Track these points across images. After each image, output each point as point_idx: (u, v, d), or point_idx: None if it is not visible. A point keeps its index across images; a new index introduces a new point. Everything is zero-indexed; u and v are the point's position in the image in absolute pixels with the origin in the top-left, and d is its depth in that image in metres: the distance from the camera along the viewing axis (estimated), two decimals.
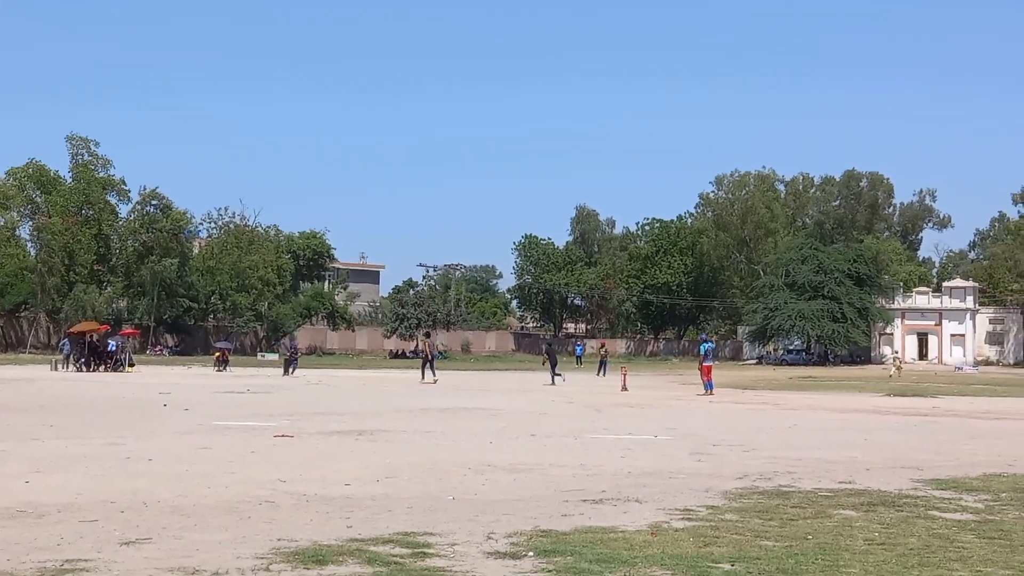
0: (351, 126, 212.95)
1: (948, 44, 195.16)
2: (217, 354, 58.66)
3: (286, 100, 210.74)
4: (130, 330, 70.84)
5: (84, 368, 52.29)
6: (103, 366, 53.08)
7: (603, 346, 68.92)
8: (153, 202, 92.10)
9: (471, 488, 12.94)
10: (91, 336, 56.23)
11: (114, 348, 55.03)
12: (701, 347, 40.38)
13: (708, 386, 37.75)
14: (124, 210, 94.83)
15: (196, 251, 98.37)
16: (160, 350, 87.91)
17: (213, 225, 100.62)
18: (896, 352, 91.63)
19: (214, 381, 43.83)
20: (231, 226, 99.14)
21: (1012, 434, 22.84)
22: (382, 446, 17.93)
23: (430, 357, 46.12)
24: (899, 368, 69.04)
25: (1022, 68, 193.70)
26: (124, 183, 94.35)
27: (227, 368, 55.70)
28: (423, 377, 44.43)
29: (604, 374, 56.41)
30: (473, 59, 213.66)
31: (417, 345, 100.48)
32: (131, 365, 54.30)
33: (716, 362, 39.42)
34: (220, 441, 18.32)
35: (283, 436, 19.16)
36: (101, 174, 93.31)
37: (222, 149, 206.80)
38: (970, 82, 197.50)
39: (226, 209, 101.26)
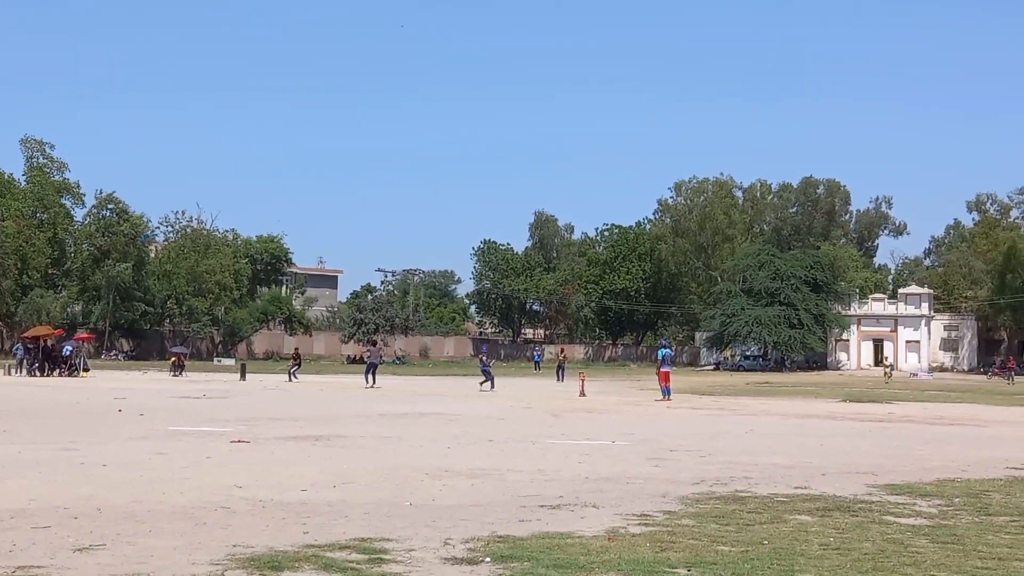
0: (310, 130, 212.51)
1: (904, 52, 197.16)
2: (173, 359, 58.25)
3: (243, 103, 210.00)
4: (85, 335, 70.10)
5: (38, 373, 51.78)
6: (57, 371, 52.56)
7: (562, 352, 69.12)
8: (109, 206, 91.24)
9: (428, 494, 12.92)
10: (45, 341, 55.71)
11: (69, 353, 54.48)
12: (659, 352, 40.56)
13: (665, 391, 37.91)
14: (80, 214, 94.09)
15: (152, 255, 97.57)
16: (115, 355, 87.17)
17: (170, 229, 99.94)
18: (887, 358, 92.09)
19: (170, 386, 43.52)
20: (188, 230, 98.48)
21: (965, 439, 23.05)
22: (339, 451, 17.86)
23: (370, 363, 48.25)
24: (889, 374, 69.99)
25: (978, 76, 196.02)
26: (79, 187, 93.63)
27: (183, 373, 55.33)
28: (371, 382, 46.15)
29: (563, 379, 56.52)
30: (433, 65, 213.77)
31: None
32: (86, 370, 53.77)
33: (674, 368, 39.51)
34: (175, 446, 18.19)
35: (239, 441, 19.06)
36: (56, 177, 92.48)
37: (180, 152, 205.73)
38: (926, 90, 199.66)
39: (183, 213, 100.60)
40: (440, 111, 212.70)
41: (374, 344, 53.42)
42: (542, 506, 11.94)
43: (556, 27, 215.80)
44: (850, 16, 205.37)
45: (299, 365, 55.95)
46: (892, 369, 76.64)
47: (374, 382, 46.24)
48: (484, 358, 48.75)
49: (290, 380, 50.79)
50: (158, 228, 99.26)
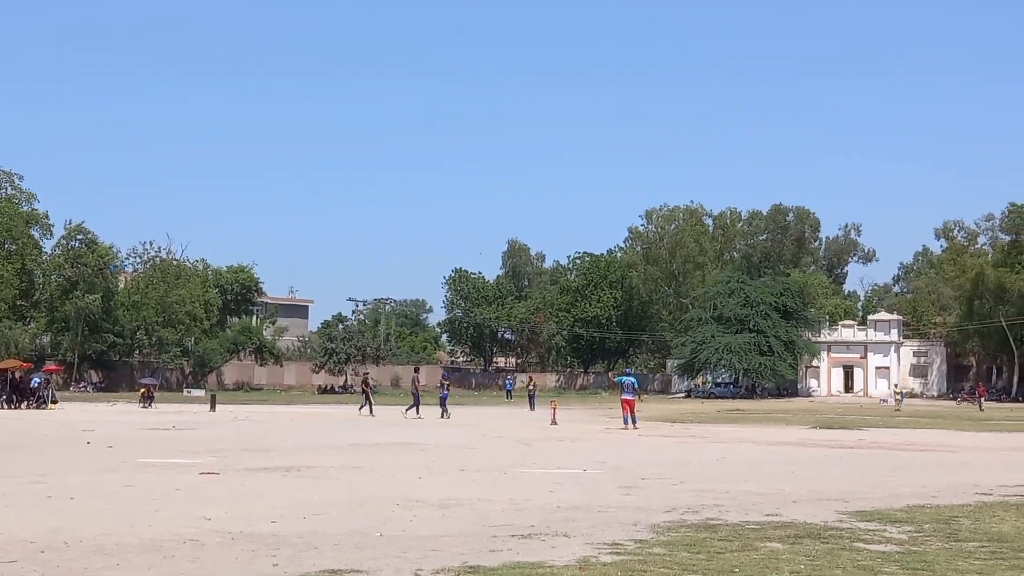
0: (280, 159, 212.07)
1: (872, 80, 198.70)
2: (142, 390, 57.93)
3: (214, 133, 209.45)
4: (53, 366, 69.67)
5: (6, 405, 51.32)
6: (26, 403, 52.13)
7: (531, 380, 69.20)
8: (78, 236, 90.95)
9: (399, 524, 12.86)
10: (13, 373, 55.26)
11: (37, 385, 54.06)
12: (617, 379, 40.35)
13: (626, 419, 37.51)
14: (48, 245, 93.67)
15: (122, 286, 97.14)
16: (84, 386, 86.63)
17: (139, 260, 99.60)
18: (896, 385, 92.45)
19: (139, 418, 43.26)
20: (157, 260, 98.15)
21: (935, 466, 23.14)
22: (309, 482, 17.78)
23: (413, 392, 47.64)
24: (900, 401, 70.30)
25: (944, 104, 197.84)
26: (48, 217, 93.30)
27: (152, 404, 55.02)
28: (371, 412, 46.24)
29: (534, 408, 56.47)
30: (402, 92, 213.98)
31: (346, 380, 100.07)
32: (54, 402, 53.35)
33: (637, 396, 39.22)
34: (144, 478, 18.06)
35: (209, 473, 18.94)
36: (24, 208, 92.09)
37: (149, 183, 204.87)
38: (893, 118, 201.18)
39: (152, 243, 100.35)
40: (413, 141, 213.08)
41: (367, 375, 53.95)
42: (513, 536, 11.91)
43: (525, 56, 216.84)
44: (816, 44, 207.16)
45: (152, 398, 56.25)
46: (903, 396, 76.75)
47: (371, 411, 46.46)
48: (446, 384, 48.77)
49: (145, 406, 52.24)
50: (127, 259, 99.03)
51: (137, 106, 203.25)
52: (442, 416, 44.38)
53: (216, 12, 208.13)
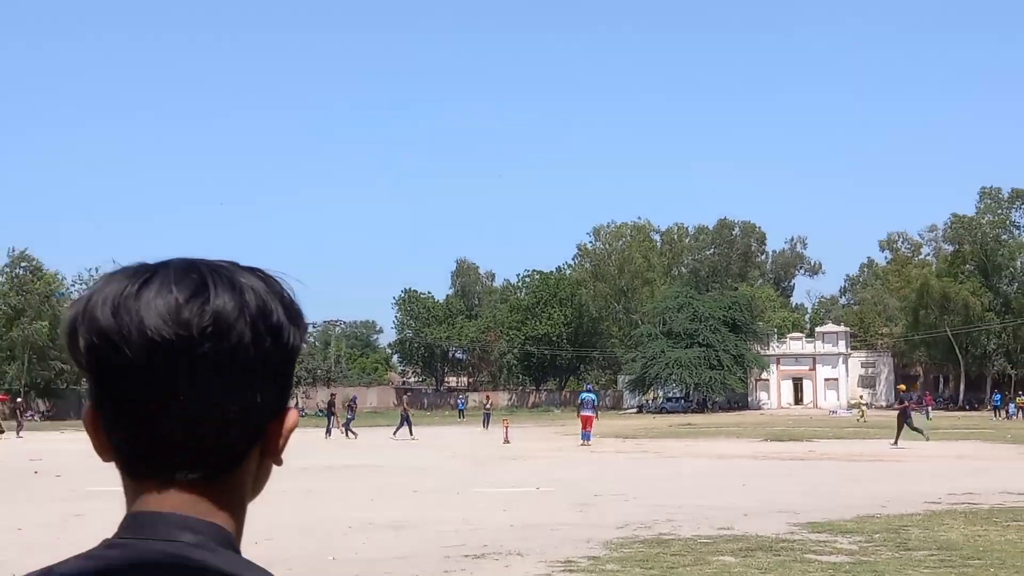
0: (226, 180, 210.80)
1: (817, 91, 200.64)
2: None
3: (156, 156, 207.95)
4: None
5: None
6: None
7: (487, 399, 69.21)
8: (23, 264, 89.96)
9: (352, 547, 12.83)
10: None
11: None
12: (580, 395, 40.93)
13: (584, 436, 37.70)
14: None
15: None
16: (31, 415, 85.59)
17: (85, 286, 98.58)
18: (861, 397, 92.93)
19: (88, 446, 42.43)
20: None
21: (885, 476, 23.37)
22: (261, 507, 17.36)
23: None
24: (863, 412, 70.76)
25: (887, 117, 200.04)
26: None
27: None
28: (411, 434, 45.98)
29: (487, 427, 56.38)
30: (352, 111, 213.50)
31: (297, 403, 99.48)
32: (0, 432, 52.67)
33: (596, 413, 39.57)
34: (94, 507, 17.86)
35: None
36: None
37: (95, 208, 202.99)
38: (839, 130, 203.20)
39: (97, 270, 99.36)
40: (360, 159, 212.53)
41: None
42: (467, 555, 11.91)
43: (473, 74, 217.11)
44: (763, 56, 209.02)
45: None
46: (867, 407, 77.62)
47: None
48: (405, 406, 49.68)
49: None
50: (73, 286, 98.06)
51: (77, 133, 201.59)
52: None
53: (146, 38, 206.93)
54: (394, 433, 45.74)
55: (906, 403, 38.61)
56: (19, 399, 62.26)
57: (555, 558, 11.62)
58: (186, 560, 1.07)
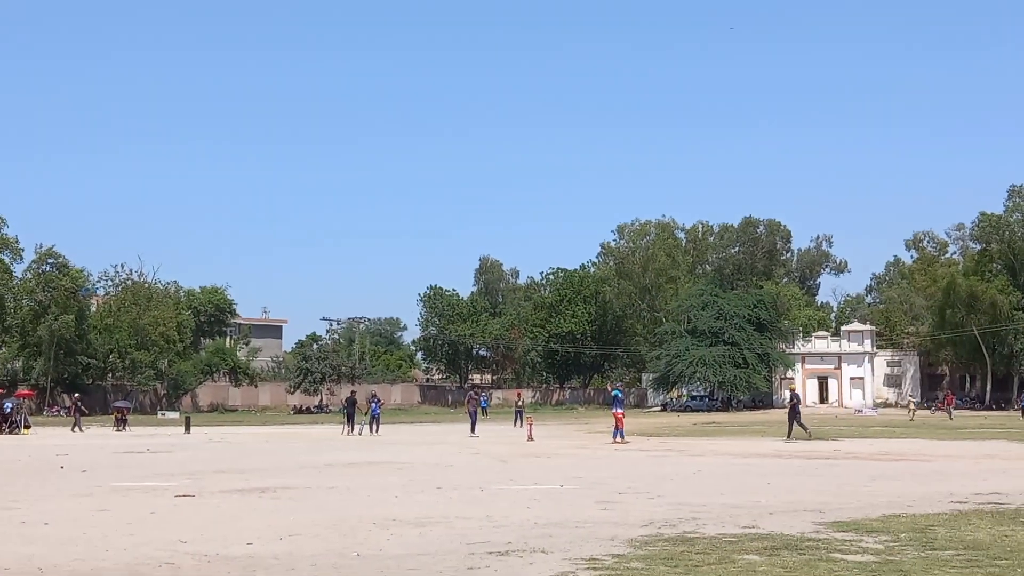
0: (252, 179, 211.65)
1: (843, 91, 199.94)
2: (116, 413, 57.68)
3: (184, 153, 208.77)
4: (26, 391, 69.20)
5: None
6: None
7: (519, 396, 68.87)
8: (49, 260, 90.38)
9: (376, 544, 12.82)
10: None
11: (9, 410, 53.63)
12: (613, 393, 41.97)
13: (615, 433, 38.18)
14: (19, 269, 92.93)
15: (94, 309, 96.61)
16: (57, 410, 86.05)
17: (111, 283, 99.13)
18: (911, 395, 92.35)
19: (113, 441, 43.01)
20: (129, 283, 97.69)
21: (911, 475, 23.24)
22: (285, 503, 17.70)
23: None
24: (913, 411, 70.65)
25: (916, 114, 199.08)
26: (18, 242, 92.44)
27: (126, 427, 54.79)
28: (351, 431, 47.90)
29: (518, 424, 55.31)
30: (376, 108, 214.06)
31: (321, 400, 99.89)
32: (27, 427, 52.96)
33: (623, 410, 40.00)
34: (119, 502, 17.95)
35: (184, 496, 18.84)
36: None
37: (120, 205, 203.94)
38: (865, 129, 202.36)
39: (123, 266, 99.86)
40: (385, 158, 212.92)
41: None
42: (491, 553, 11.90)
43: (499, 71, 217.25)
44: (788, 57, 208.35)
45: (126, 421, 56.41)
46: (917, 406, 77.60)
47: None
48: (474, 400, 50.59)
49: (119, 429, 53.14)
50: (99, 282, 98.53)
51: (105, 128, 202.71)
52: (371, 432, 47.31)
53: (178, 33, 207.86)
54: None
55: (795, 401, 40.67)
56: (76, 395, 62.77)
57: (579, 555, 11.60)
58: None
